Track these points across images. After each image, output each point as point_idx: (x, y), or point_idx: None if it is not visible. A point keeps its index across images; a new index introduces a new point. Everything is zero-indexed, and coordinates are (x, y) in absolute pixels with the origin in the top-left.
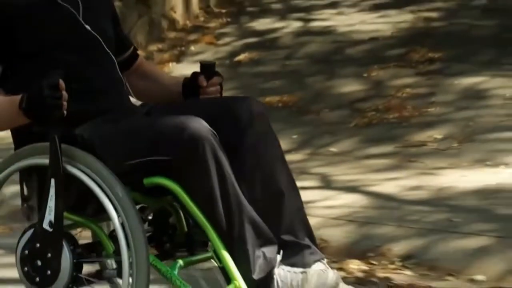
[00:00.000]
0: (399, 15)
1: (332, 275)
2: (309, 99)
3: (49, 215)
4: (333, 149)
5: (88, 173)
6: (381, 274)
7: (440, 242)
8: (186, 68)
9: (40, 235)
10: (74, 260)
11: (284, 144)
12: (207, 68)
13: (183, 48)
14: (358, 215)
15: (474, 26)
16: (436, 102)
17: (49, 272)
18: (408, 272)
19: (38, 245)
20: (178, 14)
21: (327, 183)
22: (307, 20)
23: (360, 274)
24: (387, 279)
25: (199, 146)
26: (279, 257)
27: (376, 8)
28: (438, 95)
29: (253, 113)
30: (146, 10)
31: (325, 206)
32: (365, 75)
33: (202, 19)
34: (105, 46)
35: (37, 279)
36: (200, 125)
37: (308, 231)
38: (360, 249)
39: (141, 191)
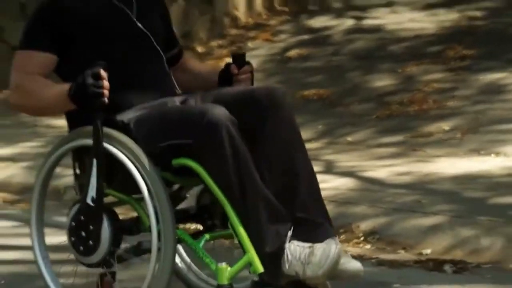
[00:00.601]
0: (446, 14)
1: (334, 249)
2: (343, 93)
3: (91, 191)
4: (349, 138)
5: (124, 153)
6: (344, 247)
7: (401, 220)
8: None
9: (84, 209)
10: (113, 233)
11: (308, 133)
12: (238, 58)
13: (241, 45)
14: (341, 196)
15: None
16: (456, 96)
17: (90, 242)
18: (367, 246)
19: (82, 218)
20: (241, 12)
21: (328, 168)
22: (360, 18)
23: None
24: (345, 251)
25: (217, 131)
26: (290, 233)
27: (428, 7)
28: (460, 90)
29: (272, 100)
30: (208, 8)
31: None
32: (399, 70)
33: (264, 17)
34: (154, 42)
35: (81, 248)
36: (219, 111)
37: (323, 210)
38: (334, 225)
39: (171, 171)
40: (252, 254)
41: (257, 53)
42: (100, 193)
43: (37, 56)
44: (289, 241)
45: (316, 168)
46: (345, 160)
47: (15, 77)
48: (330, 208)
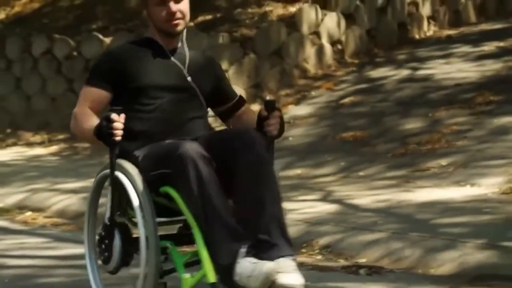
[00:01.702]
0: (492, 64)
1: (271, 266)
2: (375, 135)
3: (107, 212)
4: (361, 173)
5: (130, 180)
6: (302, 258)
7: (352, 236)
8: (301, 110)
9: (103, 227)
10: (123, 247)
11: (329, 169)
12: (269, 104)
13: (306, 93)
14: (317, 218)
15: None
16: (467, 136)
17: (106, 254)
18: (318, 257)
19: (103, 233)
20: (311, 64)
21: (324, 196)
22: (416, 69)
23: None
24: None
25: (184, 162)
26: (243, 250)
27: (479, 58)
28: (473, 131)
29: (244, 141)
30: (279, 61)
31: (303, 212)
32: (430, 115)
33: (333, 68)
34: (198, 93)
35: (102, 257)
36: (188, 146)
37: (282, 233)
38: (299, 241)
39: (164, 197)
40: (206, 267)
41: (317, 101)
42: (112, 213)
43: (93, 92)
44: (244, 257)
45: (314, 196)
46: (343, 190)
47: (76, 107)
48: (302, 227)
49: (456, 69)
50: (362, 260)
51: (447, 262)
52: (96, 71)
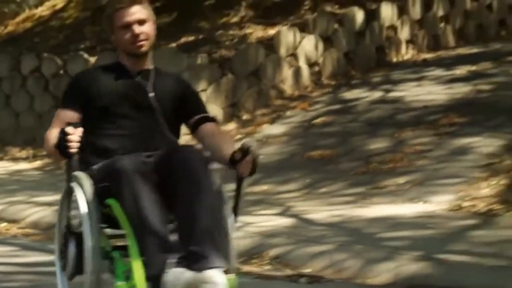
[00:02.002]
0: (461, 87)
1: (191, 276)
2: (341, 154)
3: (64, 220)
4: (323, 190)
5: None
6: (252, 268)
7: (300, 248)
8: (275, 129)
9: (63, 235)
10: (76, 255)
11: (294, 185)
12: (243, 148)
13: (281, 113)
14: (272, 231)
15: (506, 97)
16: (427, 156)
17: (64, 261)
18: (267, 267)
19: (63, 241)
20: (287, 85)
21: (283, 211)
22: (388, 91)
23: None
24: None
25: (119, 176)
26: (173, 260)
27: (450, 81)
28: (434, 151)
29: (183, 159)
30: (256, 82)
31: (260, 225)
32: (396, 135)
33: (309, 89)
34: (159, 109)
35: (63, 263)
36: (124, 162)
37: (215, 246)
38: (252, 252)
39: (110, 208)
40: (136, 276)
41: (291, 120)
42: (68, 223)
43: (64, 113)
44: (174, 267)
45: (273, 211)
46: (302, 206)
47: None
48: (256, 239)
49: (426, 92)
50: (307, 270)
51: (383, 273)
52: (67, 94)
